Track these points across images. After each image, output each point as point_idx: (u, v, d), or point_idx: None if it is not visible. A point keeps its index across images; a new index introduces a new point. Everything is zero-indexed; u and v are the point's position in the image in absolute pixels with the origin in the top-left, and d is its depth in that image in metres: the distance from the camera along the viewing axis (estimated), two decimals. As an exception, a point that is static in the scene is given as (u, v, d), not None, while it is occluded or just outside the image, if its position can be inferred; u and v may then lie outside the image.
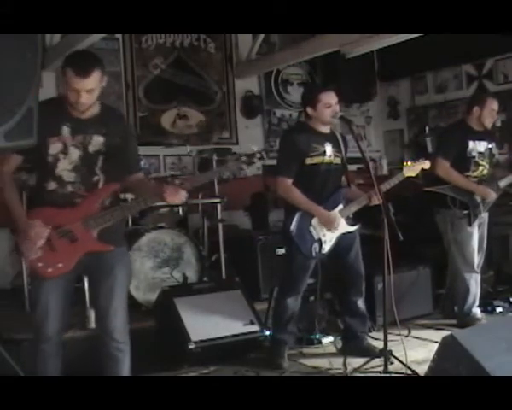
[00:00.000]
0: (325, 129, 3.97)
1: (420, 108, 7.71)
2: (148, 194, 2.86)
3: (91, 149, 2.83)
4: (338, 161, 3.97)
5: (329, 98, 3.87)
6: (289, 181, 3.86)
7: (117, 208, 2.84)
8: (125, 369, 2.94)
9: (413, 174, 4.04)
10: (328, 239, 3.89)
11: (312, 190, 3.86)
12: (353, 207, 3.94)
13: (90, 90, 2.70)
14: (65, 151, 2.79)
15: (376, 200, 3.72)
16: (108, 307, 2.87)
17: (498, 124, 6.50)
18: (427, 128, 7.40)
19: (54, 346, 2.88)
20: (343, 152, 3.99)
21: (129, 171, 2.97)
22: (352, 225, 3.99)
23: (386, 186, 3.92)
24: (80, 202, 2.81)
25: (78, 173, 2.81)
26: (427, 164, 4.08)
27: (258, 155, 2.95)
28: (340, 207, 3.92)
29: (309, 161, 3.87)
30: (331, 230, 3.85)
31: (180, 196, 2.78)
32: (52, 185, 2.81)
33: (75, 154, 2.80)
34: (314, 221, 3.85)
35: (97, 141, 2.83)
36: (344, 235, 3.94)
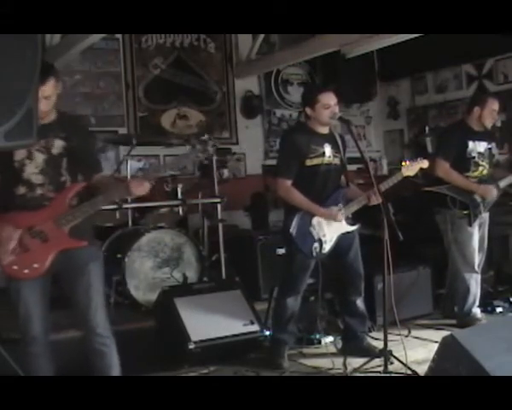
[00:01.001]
0: (324, 130, 3.96)
1: (420, 108, 7.70)
2: (113, 190, 2.95)
3: (55, 151, 2.90)
4: (337, 161, 3.97)
5: (328, 99, 3.86)
6: (289, 182, 3.86)
7: (85, 204, 2.89)
8: (113, 364, 2.98)
9: (411, 174, 4.02)
10: (329, 239, 3.89)
11: (312, 190, 3.86)
12: (353, 207, 3.94)
13: (47, 96, 2.81)
14: (30, 156, 2.86)
15: (375, 200, 3.73)
16: (89, 303, 2.91)
17: (498, 124, 6.49)
18: (427, 128, 7.40)
19: (41, 347, 2.93)
20: (342, 152, 4.00)
21: (92, 170, 3.04)
22: (352, 224, 3.99)
23: (384, 186, 3.91)
24: (49, 203, 2.87)
25: (46, 176, 2.88)
26: (425, 163, 4.06)
27: (211, 143, 3.03)
28: (340, 206, 3.92)
29: (308, 162, 3.87)
30: (337, 221, 3.85)
31: (144, 188, 2.84)
32: (21, 190, 2.87)
33: (40, 157, 2.88)
34: (314, 221, 3.85)
35: (59, 144, 2.91)
36: (343, 235, 3.94)
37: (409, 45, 5.22)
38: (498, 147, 5.05)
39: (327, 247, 3.89)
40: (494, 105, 4.60)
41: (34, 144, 2.79)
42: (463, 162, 4.56)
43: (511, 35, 2.66)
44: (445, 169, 4.50)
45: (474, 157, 4.58)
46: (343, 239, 3.95)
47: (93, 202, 2.90)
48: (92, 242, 3.04)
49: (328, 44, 5.68)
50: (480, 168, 4.62)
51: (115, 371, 2.98)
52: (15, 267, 2.81)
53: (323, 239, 3.87)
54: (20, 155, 2.85)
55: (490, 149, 4.68)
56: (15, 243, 2.78)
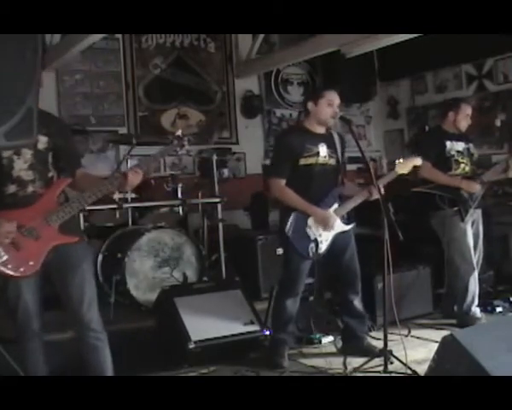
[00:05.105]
0: (320, 129, 3.95)
1: (420, 108, 7.71)
2: (101, 183, 2.95)
3: (40, 146, 2.92)
4: (333, 161, 3.95)
5: (333, 97, 3.87)
6: (282, 182, 3.85)
7: (74, 200, 2.91)
8: (107, 358, 3.01)
9: (405, 171, 4.00)
10: (325, 239, 3.88)
11: (307, 190, 3.85)
12: (349, 205, 3.93)
13: None
14: (17, 152, 2.87)
15: (376, 194, 3.72)
16: (82, 298, 2.93)
17: (498, 124, 6.51)
18: (427, 128, 7.39)
19: (39, 342, 3.01)
20: (339, 152, 3.98)
21: (74, 166, 3.07)
22: (347, 224, 3.99)
23: (380, 183, 3.90)
24: (38, 200, 2.89)
25: (35, 171, 2.90)
26: (418, 161, 4.07)
27: (186, 138, 3.14)
28: (336, 206, 3.91)
29: (303, 161, 3.86)
30: (327, 229, 3.85)
31: (140, 177, 2.88)
32: (12, 188, 2.88)
33: (28, 153, 2.89)
34: (310, 221, 3.85)
35: (43, 140, 2.93)
36: (339, 234, 3.94)
37: (409, 45, 5.22)
38: (497, 147, 5.08)
39: (323, 247, 3.88)
40: (467, 110, 4.74)
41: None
42: (444, 161, 4.65)
43: (511, 35, 2.66)
44: (427, 169, 4.55)
45: (453, 155, 4.68)
46: (339, 239, 3.94)
47: (81, 196, 2.91)
48: (82, 237, 3.09)
49: (328, 44, 5.68)
50: (462, 166, 4.71)
51: (109, 365, 3.02)
52: (10, 266, 2.81)
53: (319, 239, 3.86)
54: (7, 151, 2.85)
55: (468, 148, 4.79)
56: (10, 239, 2.78)
